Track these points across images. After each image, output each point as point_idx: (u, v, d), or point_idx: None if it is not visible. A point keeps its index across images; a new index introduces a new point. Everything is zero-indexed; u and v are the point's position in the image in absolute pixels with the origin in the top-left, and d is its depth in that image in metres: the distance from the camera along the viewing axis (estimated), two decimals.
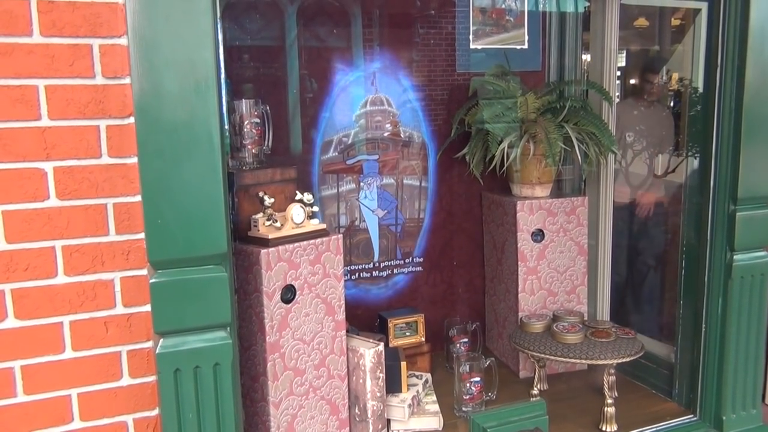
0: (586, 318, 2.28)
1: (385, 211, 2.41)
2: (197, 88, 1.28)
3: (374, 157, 2.36)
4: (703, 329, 2.01)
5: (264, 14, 2.16)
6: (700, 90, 2.00)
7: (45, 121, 1.40)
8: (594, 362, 1.97)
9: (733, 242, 1.92)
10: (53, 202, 1.42)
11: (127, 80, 1.42)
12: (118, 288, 1.50)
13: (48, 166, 1.41)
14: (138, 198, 1.44)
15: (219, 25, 1.60)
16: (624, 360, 1.95)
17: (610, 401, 1.98)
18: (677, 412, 2.09)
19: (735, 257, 1.93)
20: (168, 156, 1.28)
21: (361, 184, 2.35)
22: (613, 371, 2.00)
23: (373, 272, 2.42)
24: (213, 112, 1.30)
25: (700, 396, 2.04)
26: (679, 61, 2.77)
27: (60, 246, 1.44)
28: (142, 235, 1.42)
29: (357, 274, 2.39)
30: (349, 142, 2.31)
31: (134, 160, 1.44)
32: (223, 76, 1.63)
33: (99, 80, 1.42)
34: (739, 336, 1.96)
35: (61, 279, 1.45)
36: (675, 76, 2.90)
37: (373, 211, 2.39)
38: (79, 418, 1.51)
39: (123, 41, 1.41)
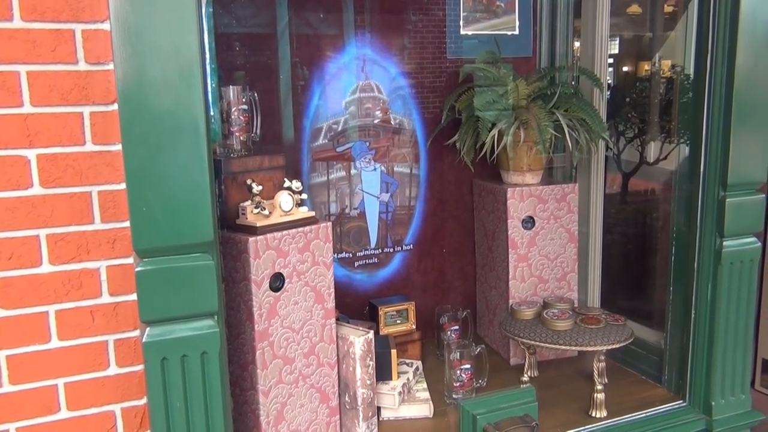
0: (576, 305, 2.28)
1: (390, 194, 2.40)
2: (181, 73, 1.26)
3: (365, 144, 2.34)
4: (693, 315, 2.01)
5: (255, 1, 2.13)
6: (691, 76, 1.99)
7: (27, 108, 1.38)
8: (584, 349, 1.97)
9: (722, 228, 1.91)
10: (37, 190, 1.41)
11: (111, 66, 1.40)
12: (104, 277, 1.49)
13: (31, 154, 1.40)
14: (123, 186, 1.43)
15: (205, 11, 1.58)
16: (613, 346, 1.96)
17: (599, 387, 1.99)
18: (667, 398, 2.10)
19: (724, 243, 1.93)
20: (152, 143, 1.26)
21: (355, 170, 2.32)
22: (603, 357, 2.01)
23: (364, 260, 2.41)
24: (198, 98, 1.28)
25: (689, 381, 2.05)
26: (671, 48, 2.77)
27: (44, 234, 1.43)
28: (127, 224, 1.41)
29: (347, 262, 2.39)
30: (339, 129, 2.30)
31: (119, 147, 1.43)
32: (208, 61, 1.61)
33: (82, 66, 1.41)
34: (728, 322, 1.97)
35: (46, 268, 1.44)
36: (667, 63, 2.89)
37: (377, 197, 2.38)
38: (66, 408, 1.50)
39: (106, 26, 1.40)
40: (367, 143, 2.34)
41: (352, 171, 2.33)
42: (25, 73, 1.37)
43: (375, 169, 2.36)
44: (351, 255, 2.39)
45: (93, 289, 1.49)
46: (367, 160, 2.32)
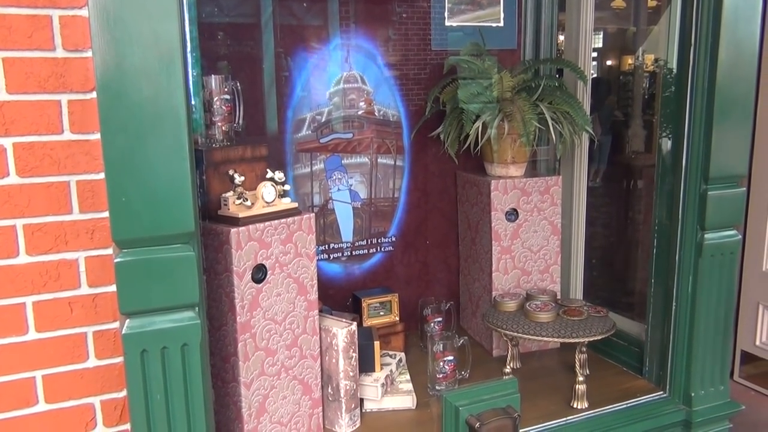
0: (559, 297, 2.29)
1: (360, 203, 2.39)
2: (161, 61, 1.24)
3: (348, 136, 2.33)
4: (674, 307, 2.03)
5: None
6: (674, 70, 2.00)
7: (3, 95, 1.35)
8: (566, 340, 1.98)
9: (704, 221, 1.93)
10: (13, 179, 1.38)
11: (89, 53, 1.37)
12: (82, 268, 1.47)
13: (7, 142, 1.37)
14: (102, 175, 1.40)
15: None
16: (595, 338, 1.97)
17: (581, 379, 2.00)
18: (647, 389, 2.12)
19: (706, 236, 1.94)
20: (132, 132, 1.24)
21: (329, 182, 2.32)
22: (584, 349, 2.02)
23: (347, 252, 2.40)
24: (178, 86, 1.26)
25: (669, 373, 2.07)
26: (654, 42, 2.78)
27: (21, 225, 1.41)
28: (106, 214, 1.39)
29: (330, 254, 2.38)
30: (323, 120, 2.28)
31: (97, 136, 1.40)
32: (191, 50, 1.59)
33: (59, 53, 1.38)
34: (709, 314, 1.99)
35: (23, 258, 1.42)
36: (650, 57, 2.91)
37: (351, 204, 2.37)
38: (44, 401, 1.48)
39: (84, 12, 1.37)
40: (351, 135, 2.33)
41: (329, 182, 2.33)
42: (0, 59, 1.34)
43: (342, 189, 2.36)
44: (335, 246, 2.38)
45: (71, 281, 1.46)
46: (337, 178, 2.31)
